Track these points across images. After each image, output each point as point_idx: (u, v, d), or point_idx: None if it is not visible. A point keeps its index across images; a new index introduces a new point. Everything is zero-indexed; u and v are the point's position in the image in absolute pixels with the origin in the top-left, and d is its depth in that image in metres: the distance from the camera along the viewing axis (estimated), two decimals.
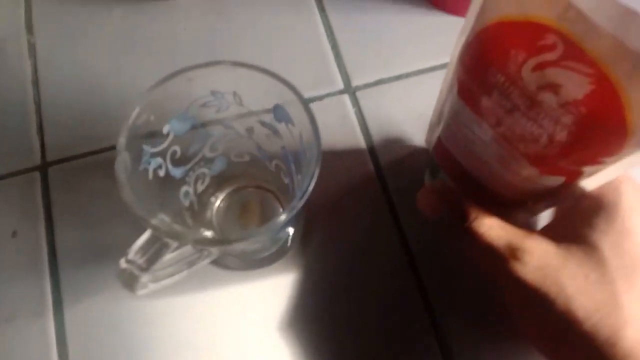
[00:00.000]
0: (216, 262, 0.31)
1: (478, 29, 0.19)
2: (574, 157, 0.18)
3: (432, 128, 0.29)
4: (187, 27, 0.38)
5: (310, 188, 0.22)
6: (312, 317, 0.31)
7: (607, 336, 0.20)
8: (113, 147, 0.34)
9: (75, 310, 0.31)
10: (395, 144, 0.35)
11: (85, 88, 0.36)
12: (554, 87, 0.16)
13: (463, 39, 0.21)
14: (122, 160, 0.22)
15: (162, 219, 0.22)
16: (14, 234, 0.33)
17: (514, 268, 0.22)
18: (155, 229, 0.21)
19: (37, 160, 0.34)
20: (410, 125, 0.35)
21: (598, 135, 0.17)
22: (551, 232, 0.23)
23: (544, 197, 0.23)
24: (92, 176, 0.34)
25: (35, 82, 0.36)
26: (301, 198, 0.22)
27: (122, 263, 0.23)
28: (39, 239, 0.32)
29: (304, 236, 0.33)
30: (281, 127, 0.26)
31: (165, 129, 0.25)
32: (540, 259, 0.22)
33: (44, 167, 0.34)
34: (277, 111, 0.25)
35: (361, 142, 0.35)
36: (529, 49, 0.16)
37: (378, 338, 0.30)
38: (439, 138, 0.26)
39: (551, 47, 0.16)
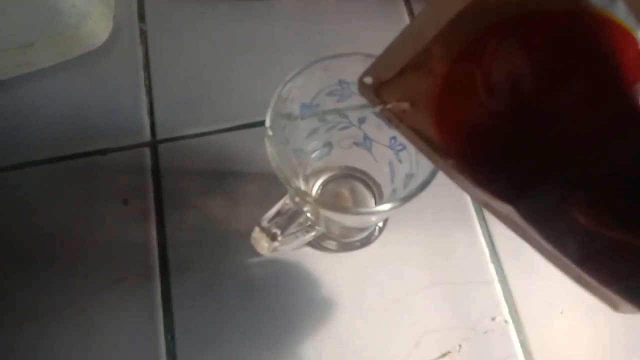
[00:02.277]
0: (314, 245, 0.34)
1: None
2: None
3: None
4: (287, 25, 0.41)
5: (432, 179, 0.24)
6: (382, 294, 0.33)
7: None
8: (218, 131, 0.37)
9: (180, 276, 0.33)
10: None
11: (193, 76, 0.39)
12: None
13: None
14: (270, 137, 0.25)
15: (298, 186, 0.25)
16: (125, 202, 0.35)
17: None
18: (296, 190, 0.23)
19: (147, 137, 0.37)
20: None
21: None
22: None
23: None
24: (199, 155, 0.36)
25: (147, 67, 0.39)
26: (422, 188, 0.24)
27: (258, 228, 0.26)
28: (148, 208, 0.35)
29: (388, 228, 0.35)
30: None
31: (295, 112, 0.28)
32: None
33: (154, 144, 0.37)
34: None
35: None
36: None
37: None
38: None
39: None
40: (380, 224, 0.35)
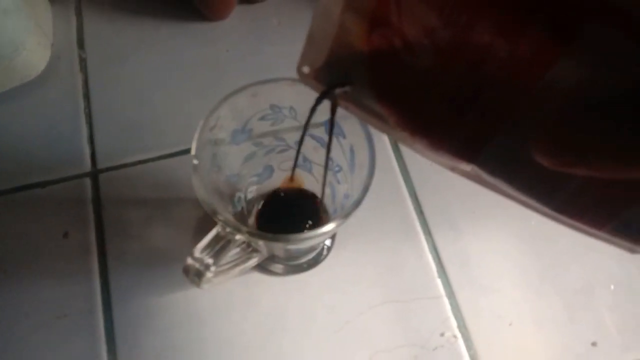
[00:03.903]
0: (259, 267, 0.33)
1: None
2: None
3: None
4: (230, 48, 0.41)
5: (364, 197, 0.24)
6: (332, 317, 0.33)
7: None
8: (160, 157, 0.37)
9: (123, 309, 0.33)
10: None
11: (134, 102, 0.39)
12: None
13: None
14: (196, 166, 0.24)
15: (227, 217, 0.24)
16: (66, 235, 0.34)
17: None
18: (225, 221, 0.23)
19: (87, 167, 0.36)
20: None
21: None
22: None
23: None
24: (140, 183, 0.36)
25: (87, 95, 0.39)
26: (356, 206, 0.24)
27: (189, 260, 0.25)
28: (89, 240, 0.34)
29: (335, 247, 0.35)
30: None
31: (227, 139, 0.27)
32: None
33: (94, 174, 0.36)
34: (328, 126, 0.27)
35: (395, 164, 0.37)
36: None
37: None
38: None
39: None
40: (329, 243, 0.35)
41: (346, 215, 0.24)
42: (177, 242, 0.34)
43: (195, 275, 0.25)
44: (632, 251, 0.18)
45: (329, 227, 0.23)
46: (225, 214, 0.25)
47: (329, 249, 0.35)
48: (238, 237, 0.25)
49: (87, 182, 0.36)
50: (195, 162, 0.24)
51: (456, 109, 0.18)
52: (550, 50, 0.15)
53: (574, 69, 0.15)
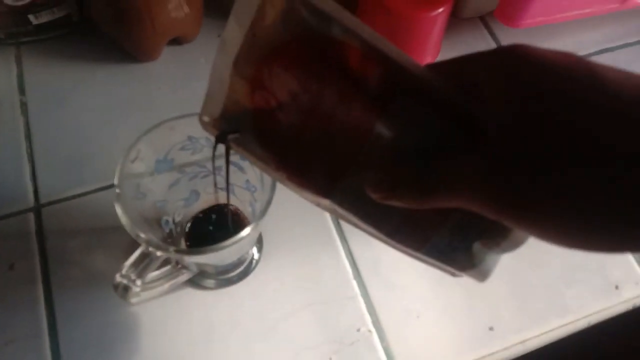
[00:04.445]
0: (193, 283, 0.37)
1: None
2: None
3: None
4: (161, 86, 0.45)
5: (269, 204, 0.28)
6: (259, 323, 0.36)
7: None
8: (98, 189, 0.40)
9: (68, 331, 0.35)
10: None
11: (73, 140, 0.42)
12: None
13: None
14: (118, 195, 0.28)
15: (150, 237, 0.28)
16: (12, 266, 0.37)
17: None
18: (147, 242, 0.27)
19: (30, 203, 0.39)
20: None
21: None
22: None
23: None
24: (81, 214, 0.39)
25: (28, 136, 0.42)
26: (263, 213, 0.28)
27: (118, 277, 0.29)
28: (34, 270, 0.37)
29: (263, 259, 0.39)
30: (245, 164, 0.33)
31: (150, 169, 0.31)
32: None
33: (37, 209, 0.39)
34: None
35: None
36: None
37: None
38: None
39: None
40: (256, 256, 0.39)
41: (257, 221, 0.28)
42: (115, 265, 0.37)
43: (124, 290, 0.29)
44: (453, 275, 0.24)
45: (244, 233, 0.27)
46: (150, 235, 0.29)
47: (257, 261, 0.39)
48: (159, 254, 0.29)
49: (31, 216, 0.39)
50: (117, 191, 0.28)
51: (315, 154, 0.23)
52: (373, 112, 0.21)
53: (389, 127, 0.21)
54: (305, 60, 0.21)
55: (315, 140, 0.22)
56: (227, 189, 0.29)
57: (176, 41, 0.46)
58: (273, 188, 0.29)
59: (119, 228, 0.38)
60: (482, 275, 0.24)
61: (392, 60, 0.20)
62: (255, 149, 0.23)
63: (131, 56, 0.45)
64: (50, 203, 0.39)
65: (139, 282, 0.28)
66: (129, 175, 0.29)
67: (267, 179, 0.31)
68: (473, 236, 0.22)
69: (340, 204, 0.23)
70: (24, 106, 0.43)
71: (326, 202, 0.23)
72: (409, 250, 0.23)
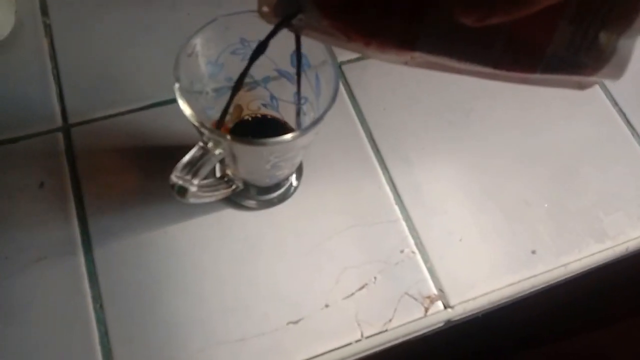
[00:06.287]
0: (233, 203, 0.36)
1: None
2: None
3: None
4: (190, 12, 0.43)
5: (330, 107, 0.27)
6: (302, 242, 0.36)
7: None
8: (129, 111, 0.39)
9: (104, 248, 0.34)
10: None
11: (100, 61, 0.40)
12: None
13: None
14: (178, 88, 0.27)
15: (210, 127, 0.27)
16: (41, 185, 0.36)
17: None
18: (211, 131, 0.26)
19: (59, 122, 0.38)
20: None
21: None
22: None
23: None
24: (112, 135, 0.38)
25: (53, 57, 0.40)
26: (326, 111, 0.27)
27: (173, 177, 0.28)
28: (65, 188, 0.36)
29: (302, 184, 0.38)
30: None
31: (202, 70, 0.30)
32: None
33: (66, 129, 0.37)
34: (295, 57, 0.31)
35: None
36: None
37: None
38: None
39: None
40: (295, 183, 0.38)
41: (319, 118, 0.27)
42: (151, 185, 0.36)
43: (180, 189, 0.27)
44: (580, 87, 0.22)
45: (309, 130, 0.26)
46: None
47: (296, 187, 0.38)
48: (217, 152, 0.28)
49: (60, 136, 0.37)
50: (176, 85, 0.27)
51: (391, 7, 0.21)
52: None
53: None
54: None
55: None
56: (299, 81, 0.28)
57: None
58: (335, 93, 0.28)
59: (153, 150, 0.37)
60: (619, 68, 0.20)
61: None
62: (321, 25, 0.23)
63: None
64: (79, 123, 0.38)
65: (195, 182, 0.27)
66: (185, 68, 0.28)
67: (325, 86, 0.30)
68: (595, 29, 0.19)
69: (430, 51, 0.21)
70: (47, 28, 0.41)
71: (414, 54, 0.22)
72: (524, 75, 0.21)
